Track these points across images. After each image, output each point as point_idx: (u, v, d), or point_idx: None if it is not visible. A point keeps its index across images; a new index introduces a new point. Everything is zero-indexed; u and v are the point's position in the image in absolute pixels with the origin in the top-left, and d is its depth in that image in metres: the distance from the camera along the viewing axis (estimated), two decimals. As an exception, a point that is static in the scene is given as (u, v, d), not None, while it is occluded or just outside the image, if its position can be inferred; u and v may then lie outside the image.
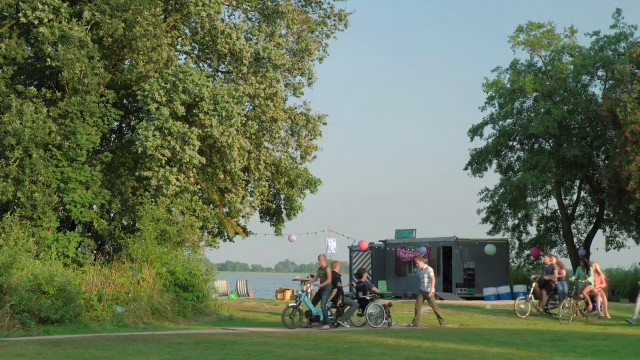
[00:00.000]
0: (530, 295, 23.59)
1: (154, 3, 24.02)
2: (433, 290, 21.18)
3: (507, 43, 38.16)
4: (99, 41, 23.76)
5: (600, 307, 22.89)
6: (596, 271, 22.96)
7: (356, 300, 20.83)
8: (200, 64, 28.07)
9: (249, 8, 28.19)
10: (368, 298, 20.75)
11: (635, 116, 29.06)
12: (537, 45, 36.63)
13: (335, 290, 20.43)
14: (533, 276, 24.34)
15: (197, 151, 23.69)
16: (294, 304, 20.37)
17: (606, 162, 34.12)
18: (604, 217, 36.80)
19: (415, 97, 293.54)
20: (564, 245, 37.71)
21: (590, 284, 22.61)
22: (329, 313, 20.23)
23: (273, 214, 30.45)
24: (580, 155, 34.09)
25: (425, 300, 21.39)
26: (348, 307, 20.58)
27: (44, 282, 18.72)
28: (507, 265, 33.98)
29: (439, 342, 15.01)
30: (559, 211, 37.75)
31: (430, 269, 21.38)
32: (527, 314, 22.97)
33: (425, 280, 21.15)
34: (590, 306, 22.71)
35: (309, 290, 20.92)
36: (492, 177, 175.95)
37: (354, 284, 21.86)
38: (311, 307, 20.23)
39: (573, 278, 23.98)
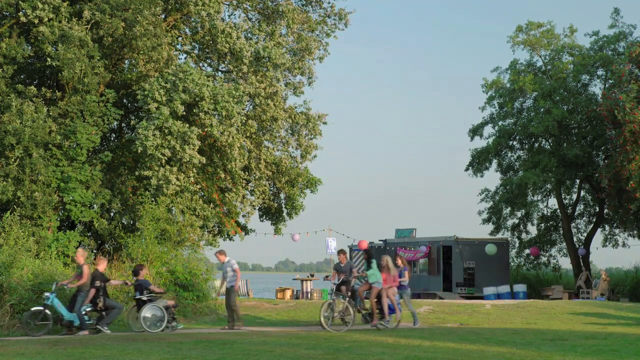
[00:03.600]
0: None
1: (154, 2, 24.03)
2: (239, 284, 18.61)
3: (506, 43, 38.22)
4: (99, 41, 23.77)
5: (392, 310, 19.23)
6: (386, 267, 19.20)
7: (136, 302, 18.18)
8: (201, 64, 28.09)
9: (249, 7, 28.21)
10: (145, 299, 17.96)
11: (634, 115, 29.08)
12: (536, 44, 36.65)
13: (93, 291, 17.54)
14: (333, 278, 20.23)
15: (197, 151, 23.71)
16: (39, 308, 17.11)
17: (606, 161, 34.15)
18: (604, 216, 36.82)
19: (415, 96, 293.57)
20: (564, 244, 37.73)
21: (367, 280, 19.06)
22: (86, 317, 17.42)
23: (274, 213, 30.47)
24: (581, 154, 34.11)
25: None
26: (112, 309, 17.81)
27: (44, 281, 18.73)
28: (507, 264, 33.99)
29: (439, 342, 15.01)
30: (559, 210, 37.77)
31: (234, 262, 18.94)
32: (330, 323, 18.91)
33: (230, 274, 18.90)
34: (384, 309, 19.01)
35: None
36: (492, 178, 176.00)
37: (130, 283, 18.92)
38: (62, 311, 17.27)
39: (356, 275, 19.86)
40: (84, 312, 17.37)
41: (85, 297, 17.44)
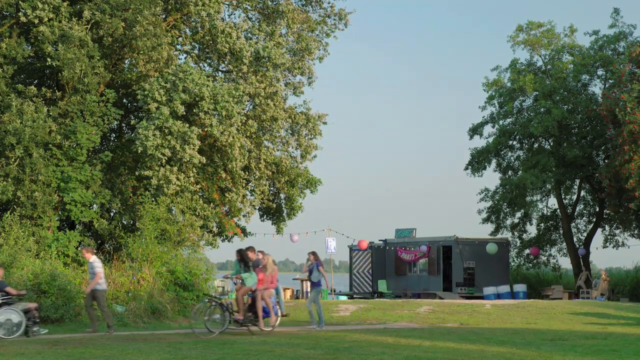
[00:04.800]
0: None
1: (154, 2, 24.02)
2: (102, 286, 17.31)
3: (506, 42, 38.18)
4: (99, 40, 23.77)
5: (267, 313, 17.64)
6: (263, 267, 17.87)
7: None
8: (200, 64, 28.09)
9: (249, 7, 28.20)
10: None
11: (634, 116, 29.08)
12: (537, 44, 36.64)
13: None
14: (235, 280, 17.97)
15: (198, 150, 23.71)
16: None
17: (606, 161, 34.14)
18: (604, 216, 36.82)
19: (415, 96, 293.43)
20: (564, 244, 37.73)
21: (243, 282, 17.45)
22: None
23: (273, 213, 30.47)
24: (580, 154, 34.11)
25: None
26: None
27: (44, 281, 18.75)
28: (507, 264, 34.01)
29: (438, 342, 15.01)
30: (559, 210, 37.77)
31: (98, 262, 17.45)
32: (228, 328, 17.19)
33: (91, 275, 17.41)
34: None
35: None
36: (492, 177, 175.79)
37: None
38: None
39: (230, 274, 18.44)
40: None
41: None
